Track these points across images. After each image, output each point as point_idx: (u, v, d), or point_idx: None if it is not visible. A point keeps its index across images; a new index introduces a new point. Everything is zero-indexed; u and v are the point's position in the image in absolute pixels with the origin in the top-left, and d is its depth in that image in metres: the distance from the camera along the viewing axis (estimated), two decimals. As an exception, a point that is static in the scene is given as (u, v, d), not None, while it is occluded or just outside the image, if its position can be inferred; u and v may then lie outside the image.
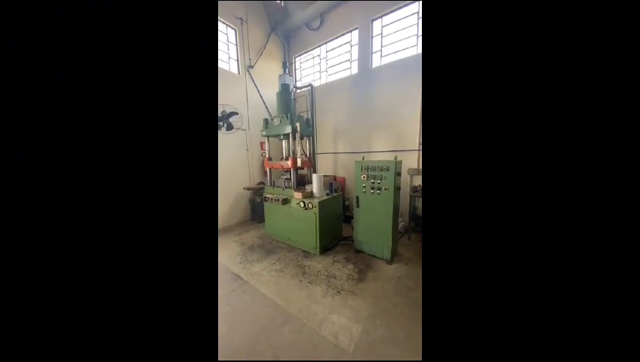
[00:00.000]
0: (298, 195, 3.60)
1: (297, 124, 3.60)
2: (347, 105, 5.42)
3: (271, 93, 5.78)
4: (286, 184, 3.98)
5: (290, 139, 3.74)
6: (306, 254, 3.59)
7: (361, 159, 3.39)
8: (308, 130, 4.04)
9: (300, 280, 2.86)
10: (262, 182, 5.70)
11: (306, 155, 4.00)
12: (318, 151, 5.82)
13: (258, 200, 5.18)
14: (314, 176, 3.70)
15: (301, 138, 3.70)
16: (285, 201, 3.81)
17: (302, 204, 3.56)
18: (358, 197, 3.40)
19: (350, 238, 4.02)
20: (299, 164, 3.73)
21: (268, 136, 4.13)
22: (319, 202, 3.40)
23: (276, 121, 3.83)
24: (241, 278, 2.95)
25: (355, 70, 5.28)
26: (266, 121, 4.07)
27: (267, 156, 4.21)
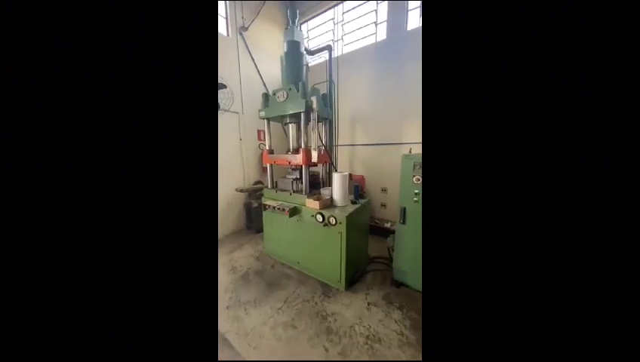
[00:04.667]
0: (313, 204, 2.48)
1: (313, 99, 2.43)
2: (369, 82, 4.22)
3: (270, 68, 4.55)
4: (294, 187, 2.84)
5: (302, 123, 2.56)
6: (326, 289, 2.49)
7: (409, 152, 2.26)
8: (325, 110, 2.86)
9: (325, 348, 1.77)
10: (259, 182, 4.54)
11: (325, 147, 2.85)
12: (340, 143, 4.57)
13: (255, 204, 4.03)
14: (335, 176, 2.56)
15: (318, 121, 2.54)
16: (294, 212, 2.68)
17: (319, 218, 2.43)
18: (404, 210, 2.29)
19: (381, 259, 2.95)
20: (314, 158, 2.59)
21: (268, 119, 2.95)
22: (347, 216, 2.28)
23: (281, 96, 2.65)
24: (228, 342, 1.85)
25: (382, 35, 4.06)
26: (265, 96, 2.88)
27: (267, 148, 3.04)
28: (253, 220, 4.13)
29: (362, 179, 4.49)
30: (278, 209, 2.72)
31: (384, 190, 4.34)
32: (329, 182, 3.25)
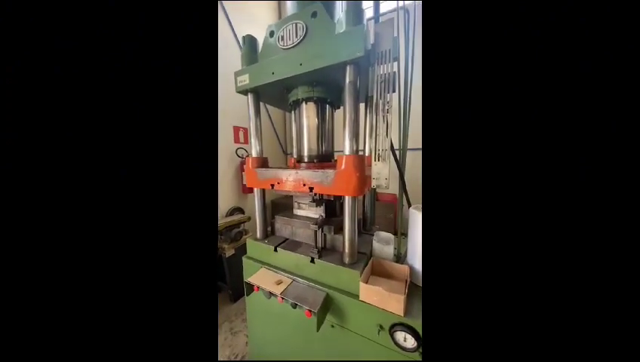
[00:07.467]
0: (384, 301, 0.94)
1: (383, 28, 0.95)
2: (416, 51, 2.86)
3: (254, 33, 3.00)
4: (321, 239, 1.29)
5: (347, 94, 1.04)
6: None
7: None
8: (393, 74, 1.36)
9: None
10: (238, 209, 2.88)
11: (393, 151, 1.34)
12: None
13: (230, 252, 2.37)
14: (418, 216, 1.08)
15: (392, 91, 1.04)
16: (326, 308, 1.12)
17: (406, 340, 0.91)
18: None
19: None
20: (380, 180, 1.07)
21: (256, 94, 1.39)
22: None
23: (290, 34, 1.11)
24: None
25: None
26: (249, 42, 1.32)
27: (254, 154, 1.46)
28: (227, 277, 2.45)
29: (395, 200, 3.06)
30: (285, 300, 1.14)
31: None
32: (373, 218, 1.75)
